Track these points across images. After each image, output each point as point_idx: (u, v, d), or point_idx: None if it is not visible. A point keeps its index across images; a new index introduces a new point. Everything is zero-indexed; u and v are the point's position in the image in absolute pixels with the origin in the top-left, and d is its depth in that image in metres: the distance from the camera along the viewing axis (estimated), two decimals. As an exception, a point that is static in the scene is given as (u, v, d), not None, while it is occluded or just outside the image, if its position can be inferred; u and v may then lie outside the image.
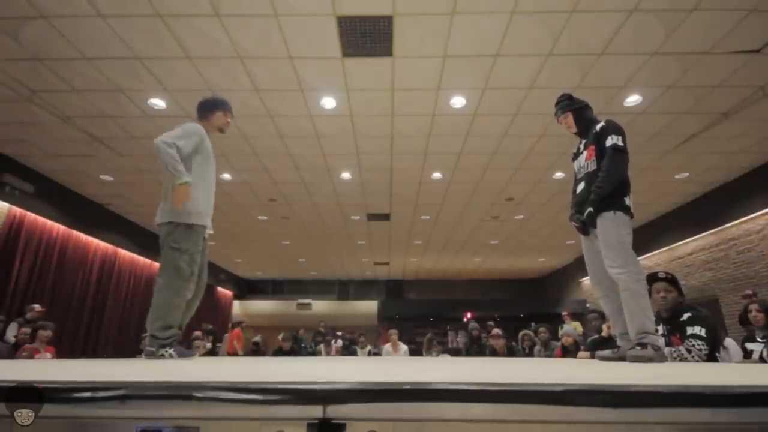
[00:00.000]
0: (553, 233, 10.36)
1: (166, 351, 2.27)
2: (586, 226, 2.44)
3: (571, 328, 6.02)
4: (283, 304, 16.37)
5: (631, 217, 2.33)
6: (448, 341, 14.04)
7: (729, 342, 3.74)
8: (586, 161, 2.50)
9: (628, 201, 2.34)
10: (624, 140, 2.37)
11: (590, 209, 2.34)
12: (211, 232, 2.61)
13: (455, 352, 7.58)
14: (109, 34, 3.92)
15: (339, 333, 9.27)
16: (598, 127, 2.47)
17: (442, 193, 7.89)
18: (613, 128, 2.41)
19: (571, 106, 2.64)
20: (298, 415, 0.67)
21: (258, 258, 13.37)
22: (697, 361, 2.45)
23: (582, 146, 2.60)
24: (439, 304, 15.55)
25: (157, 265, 11.16)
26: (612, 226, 2.28)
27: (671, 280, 2.74)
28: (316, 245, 11.64)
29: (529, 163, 6.61)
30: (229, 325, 14.60)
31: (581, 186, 2.52)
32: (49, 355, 4.94)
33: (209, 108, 2.67)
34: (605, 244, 2.28)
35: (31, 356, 4.65)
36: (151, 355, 2.27)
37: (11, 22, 3.80)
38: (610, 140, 2.36)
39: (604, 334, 4.79)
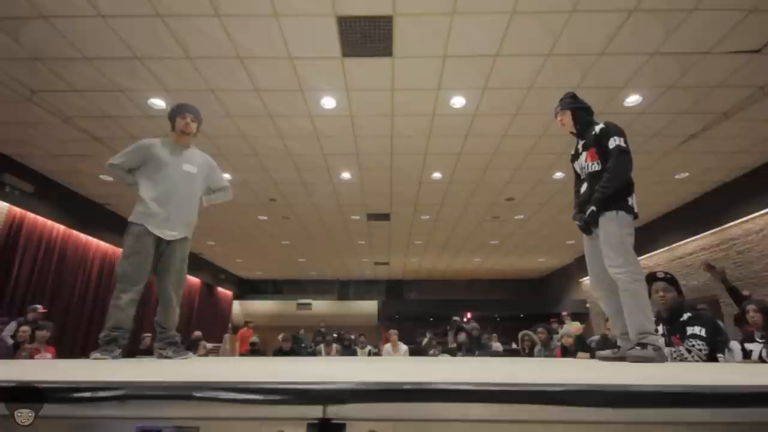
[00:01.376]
0: (553, 233, 10.35)
1: (96, 353, 2.29)
2: (589, 226, 2.44)
3: (569, 328, 6.02)
4: (283, 304, 16.38)
5: (635, 217, 2.33)
6: (448, 341, 14.04)
7: (733, 344, 3.74)
8: (587, 162, 2.50)
9: (631, 201, 2.34)
10: (626, 141, 2.38)
11: (593, 208, 2.34)
12: (175, 234, 2.57)
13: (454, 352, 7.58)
14: (109, 34, 3.92)
15: (335, 335, 9.23)
16: (597, 128, 2.47)
17: (442, 193, 7.89)
18: (614, 130, 2.41)
19: (573, 104, 2.64)
20: (298, 415, 0.67)
21: (258, 258, 13.37)
22: (697, 361, 2.45)
23: (580, 147, 2.60)
24: (439, 304, 15.55)
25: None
26: (614, 226, 2.28)
27: (670, 280, 2.74)
28: (316, 245, 11.64)
29: (529, 163, 6.61)
30: (229, 325, 14.64)
31: (584, 186, 2.52)
32: (49, 355, 4.94)
33: (170, 117, 2.78)
34: (606, 243, 2.28)
35: (30, 356, 4.65)
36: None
37: (11, 22, 3.80)
38: (614, 142, 2.36)
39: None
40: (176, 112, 2.77)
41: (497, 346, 8.77)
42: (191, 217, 2.68)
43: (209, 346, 7.45)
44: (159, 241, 2.53)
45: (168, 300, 2.59)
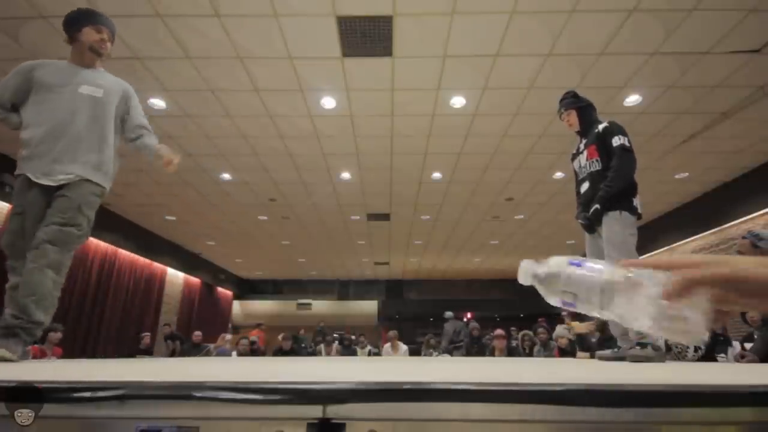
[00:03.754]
0: (553, 233, 10.36)
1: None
2: (592, 224, 2.44)
3: (563, 329, 6.04)
4: (283, 304, 16.38)
5: (639, 217, 2.34)
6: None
7: (733, 344, 3.75)
8: (587, 161, 2.50)
9: (635, 202, 2.34)
10: (629, 141, 2.38)
11: (597, 206, 2.34)
12: (68, 177, 1.88)
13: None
14: (109, 34, 3.92)
15: (336, 335, 9.27)
16: (600, 127, 2.48)
17: (442, 193, 7.89)
18: (618, 129, 2.42)
19: (576, 103, 2.64)
20: (298, 415, 0.67)
21: (258, 258, 13.37)
22: (696, 360, 2.45)
23: (582, 146, 2.60)
24: (439, 304, 15.54)
25: (156, 264, 11.13)
26: (617, 226, 2.28)
27: None
28: (316, 245, 11.64)
29: (529, 163, 6.61)
30: (229, 325, 14.64)
31: (585, 186, 2.52)
32: (54, 357, 4.93)
33: (72, 24, 2.04)
34: (609, 242, 2.29)
35: (32, 356, 4.64)
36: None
37: (11, 22, 3.80)
38: (617, 140, 2.36)
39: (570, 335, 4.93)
40: (85, 20, 2.03)
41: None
42: (97, 153, 1.94)
43: (228, 337, 7.50)
44: (48, 191, 1.86)
45: (30, 257, 1.74)
